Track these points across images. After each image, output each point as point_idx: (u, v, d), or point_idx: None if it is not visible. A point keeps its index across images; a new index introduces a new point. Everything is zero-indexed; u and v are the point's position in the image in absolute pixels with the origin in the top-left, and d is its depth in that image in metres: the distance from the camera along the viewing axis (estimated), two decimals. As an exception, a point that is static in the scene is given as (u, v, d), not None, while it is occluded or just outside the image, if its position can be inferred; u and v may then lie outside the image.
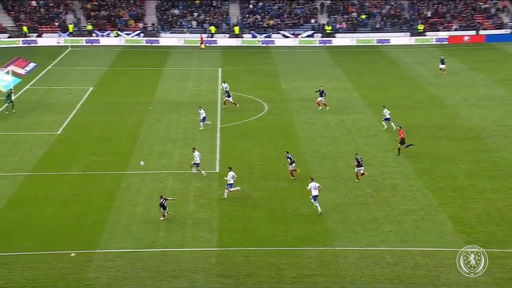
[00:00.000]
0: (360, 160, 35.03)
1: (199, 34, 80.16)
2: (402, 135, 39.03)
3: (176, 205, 32.02)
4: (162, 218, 30.33)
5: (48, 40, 78.24)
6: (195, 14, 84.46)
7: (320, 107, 48.75)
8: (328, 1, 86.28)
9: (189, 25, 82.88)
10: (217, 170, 36.93)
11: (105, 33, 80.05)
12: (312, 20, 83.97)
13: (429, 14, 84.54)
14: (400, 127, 39.86)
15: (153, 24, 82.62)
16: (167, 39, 79.68)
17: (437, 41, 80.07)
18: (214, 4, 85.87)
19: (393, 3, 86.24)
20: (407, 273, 26.00)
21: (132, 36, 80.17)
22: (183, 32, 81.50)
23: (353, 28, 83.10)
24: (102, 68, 65.56)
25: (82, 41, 78.38)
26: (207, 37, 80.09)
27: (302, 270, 26.26)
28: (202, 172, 35.55)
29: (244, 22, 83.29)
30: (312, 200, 31.15)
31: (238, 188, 33.06)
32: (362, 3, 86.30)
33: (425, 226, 29.97)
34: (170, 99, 53.06)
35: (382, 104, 49.22)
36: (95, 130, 44.79)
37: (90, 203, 32.46)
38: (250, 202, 32.74)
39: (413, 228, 29.81)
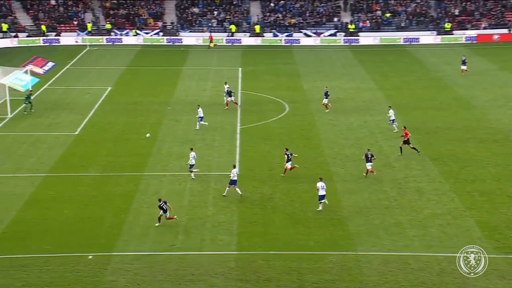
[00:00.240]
0: (370, 156, 35.44)
1: (218, 33, 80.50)
2: (406, 136, 38.92)
3: (194, 208, 32.14)
4: (157, 224, 29.79)
5: (67, 39, 79.08)
6: (215, 12, 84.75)
7: (328, 110, 48.73)
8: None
9: (209, 24, 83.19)
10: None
11: (124, 32, 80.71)
12: (335, 19, 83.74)
13: (456, 12, 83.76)
14: (404, 127, 39.78)
15: (172, 23, 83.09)
16: (186, 38, 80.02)
17: (467, 40, 79.19)
18: (235, 2, 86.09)
19: (419, 1, 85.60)
20: (433, 280, 25.75)
21: (151, 35, 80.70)
22: (202, 31, 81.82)
23: (377, 26, 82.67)
24: (120, 67, 66.08)
25: (102, 40, 79.05)
26: (228, 36, 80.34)
27: (323, 275, 26.16)
28: (192, 174, 35.65)
29: (265, 21, 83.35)
30: (319, 200, 31.58)
31: (238, 190, 33.08)
32: (386, 1, 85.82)
33: (452, 231, 29.66)
34: (189, 99, 53.27)
35: (407, 105, 49.13)
36: (113, 130, 45.14)
37: (108, 205, 32.71)
38: (270, 205, 32.71)
39: (438, 233, 29.53)
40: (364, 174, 35.80)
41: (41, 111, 49.19)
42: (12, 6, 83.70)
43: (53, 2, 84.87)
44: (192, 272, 26.38)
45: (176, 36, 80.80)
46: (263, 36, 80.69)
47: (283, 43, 79.46)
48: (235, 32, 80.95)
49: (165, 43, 79.59)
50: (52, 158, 39.40)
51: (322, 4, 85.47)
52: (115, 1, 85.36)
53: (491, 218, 31.01)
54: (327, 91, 49.17)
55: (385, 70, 64.83)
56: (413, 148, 39.09)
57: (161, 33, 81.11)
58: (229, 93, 49.71)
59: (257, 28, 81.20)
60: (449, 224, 30.46)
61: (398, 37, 79.90)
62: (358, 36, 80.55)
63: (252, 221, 30.93)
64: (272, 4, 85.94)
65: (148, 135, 40.58)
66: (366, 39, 79.86)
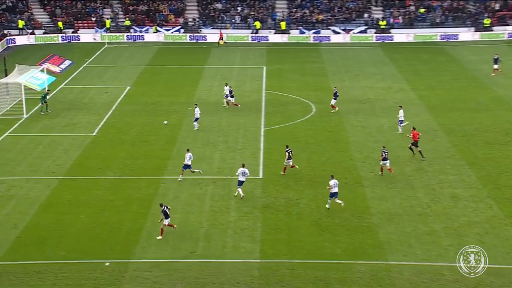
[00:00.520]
0: (386, 153, 36.15)
1: (242, 30, 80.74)
2: (415, 137, 38.86)
3: (216, 213, 32.27)
4: (159, 237, 29.40)
5: (84, 36, 79.96)
6: (239, 8, 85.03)
7: (333, 111, 48.78)
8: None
9: (232, 20, 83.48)
10: (261, 176, 37.03)
11: (143, 29, 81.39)
12: (365, 15, 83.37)
13: (497, 6, 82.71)
14: (414, 128, 39.61)
15: (194, 19, 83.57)
16: (209, 35, 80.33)
17: (509, 37, 78.05)
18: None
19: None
20: (469, 292, 25.55)
21: (172, 32, 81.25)
22: (225, 28, 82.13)
23: (410, 23, 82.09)
24: (139, 66, 66.67)
25: (122, 37, 79.70)
26: (252, 33, 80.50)
27: (351, 285, 26.06)
28: (180, 176, 35.95)
29: (291, 17, 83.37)
30: (330, 197, 32.12)
31: (240, 192, 33.53)
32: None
33: (490, 241, 29.31)
34: (211, 99, 53.50)
35: (442, 106, 48.62)
36: (131, 132, 45.55)
37: (126, 209, 33.00)
38: (296, 211, 32.70)
39: (476, 242, 29.15)
40: (380, 173, 36.49)
41: (57, 111, 49.86)
42: (29, 2, 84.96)
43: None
44: (213, 280, 26.47)
45: (199, 33, 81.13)
46: (289, 33, 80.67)
47: (311, 41, 79.29)
48: (259, 29, 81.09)
49: (188, 40, 79.97)
50: (68, 160, 39.89)
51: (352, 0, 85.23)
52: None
53: (532, 227, 30.61)
54: (336, 92, 49.09)
55: (419, 69, 64.34)
56: (419, 151, 39.03)
57: (182, 30, 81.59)
58: (231, 95, 49.81)
59: (283, 24, 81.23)
60: (487, 233, 30.11)
61: (435, 33, 79.14)
62: (390, 33, 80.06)
63: (277, 227, 30.94)
64: (298, 0, 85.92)
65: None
66: (399, 36, 79.28)
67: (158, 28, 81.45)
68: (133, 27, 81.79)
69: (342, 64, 67.16)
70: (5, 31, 78.46)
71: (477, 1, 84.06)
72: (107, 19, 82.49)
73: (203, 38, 79.65)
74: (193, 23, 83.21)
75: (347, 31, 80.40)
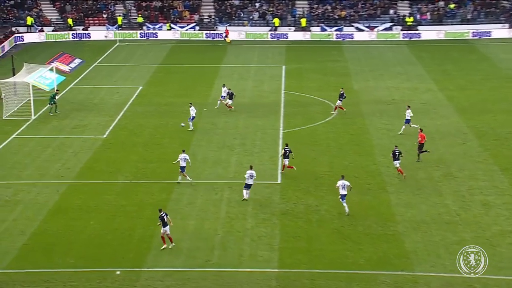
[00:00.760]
0: (397, 153, 36.52)
1: (260, 27, 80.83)
2: (421, 140, 38.89)
3: (232, 220, 32.31)
4: (163, 247, 29.37)
5: (95, 33, 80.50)
6: (257, 4, 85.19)
7: (333, 112, 48.63)
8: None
9: (250, 17, 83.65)
10: (279, 181, 37.03)
11: (157, 26, 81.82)
12: (391, 11, 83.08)
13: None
14: (421, 130, 39.59)
15: (209, 16, 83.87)
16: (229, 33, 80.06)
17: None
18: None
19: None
20: (500, 306, 25.36)
21: (187, 29, 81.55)
22: (243, 25, 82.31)
23: (438, 19, 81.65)
24: (152, 65, 67.02)
25: (134, 34, 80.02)
26: (270, 30, 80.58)
27: (375, 297, 26.02)
28: (179, 178, 36.24)
29: (312, 14, 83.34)
30: (340, 200, 32.32)
31: (245, 195, 33.79)
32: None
33: (523, 251, 29.09)
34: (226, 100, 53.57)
35: (473, 107, 48.24)
36: (144, 134, 45.78)
37: (138, 215, 33.15)
38: (316, 218, 32.65)
39: (509, 253, 28.98)
40: (403, 175, 36.66)
41: (66, 112, 50.25)
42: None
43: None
44: (229, 291, 26.53)
45: (215, 30, 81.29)
46: (310, 31, 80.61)
47: (334, 38, 79.14)
48: (278, 26, 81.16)
49: (204, 38, 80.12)
50: (78, 163, 40.17)
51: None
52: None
53: None
54: (343, 93, 49.03)
55: (448, 68, 63.97)
56: (422, 152, 39.16)
57: (197, 27, 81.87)
58: (230, 96, 49.76)
59: (303, 21, 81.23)
60: (520, 243, 29.88)
61: (466, 31, 78.48)
62: (417, 30, 79.70)
63: (296, 235, 30.91)
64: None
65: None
66: (428, 33, 78.77)
67: (172, 25, 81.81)
68: (146, 24, 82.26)
69: (366, 63, 66.96)
70: (13, 28, 79.30)
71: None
72: (119, 15, 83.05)
73: (221, 36, 79.76)
74: (208, 20, 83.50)
75: (371, 28, 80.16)
